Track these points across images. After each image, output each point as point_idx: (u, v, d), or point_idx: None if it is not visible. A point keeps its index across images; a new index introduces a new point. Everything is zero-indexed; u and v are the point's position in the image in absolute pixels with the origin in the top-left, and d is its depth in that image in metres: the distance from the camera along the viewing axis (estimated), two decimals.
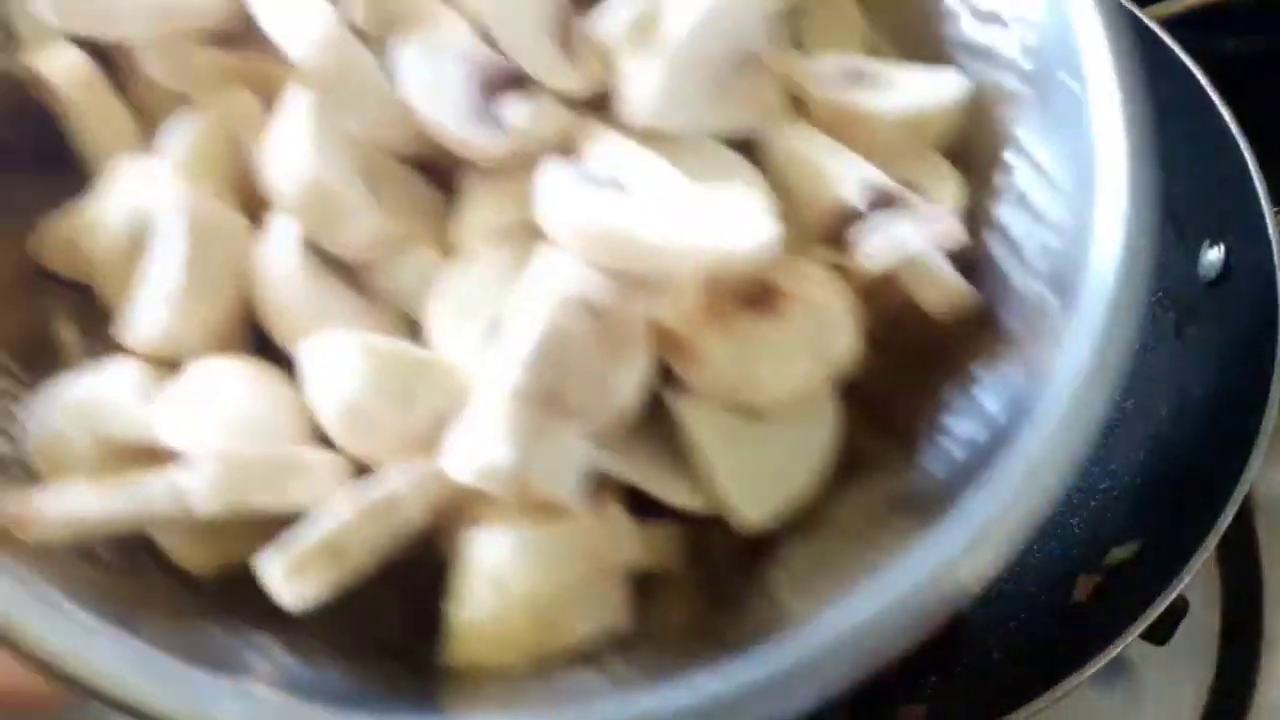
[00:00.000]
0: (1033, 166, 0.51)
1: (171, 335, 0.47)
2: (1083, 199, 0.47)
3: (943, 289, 0.50)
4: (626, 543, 0.47)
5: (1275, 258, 0.81)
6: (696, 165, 0.50)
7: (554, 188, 0.45)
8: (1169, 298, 0.93)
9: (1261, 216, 0.83)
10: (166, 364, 0.49)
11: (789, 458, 0.50)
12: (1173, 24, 0.91)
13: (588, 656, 0.45)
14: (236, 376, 0.46)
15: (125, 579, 0.46)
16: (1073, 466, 0.42)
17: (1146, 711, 0.97)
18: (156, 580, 0.47)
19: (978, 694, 0.84)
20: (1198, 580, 0.99)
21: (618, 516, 0.47)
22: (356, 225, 0.46)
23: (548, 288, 0.43)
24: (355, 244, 0.47)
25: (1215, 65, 0.88)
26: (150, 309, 0.48)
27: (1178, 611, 0.86)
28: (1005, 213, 0.52)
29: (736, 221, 0.45)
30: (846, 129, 0.54)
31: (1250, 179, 0.84)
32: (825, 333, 0.49)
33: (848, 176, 0.50)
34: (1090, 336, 0.43)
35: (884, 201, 0.49)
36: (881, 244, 0.48)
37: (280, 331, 0.47)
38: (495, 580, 0.44)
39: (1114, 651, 0.75)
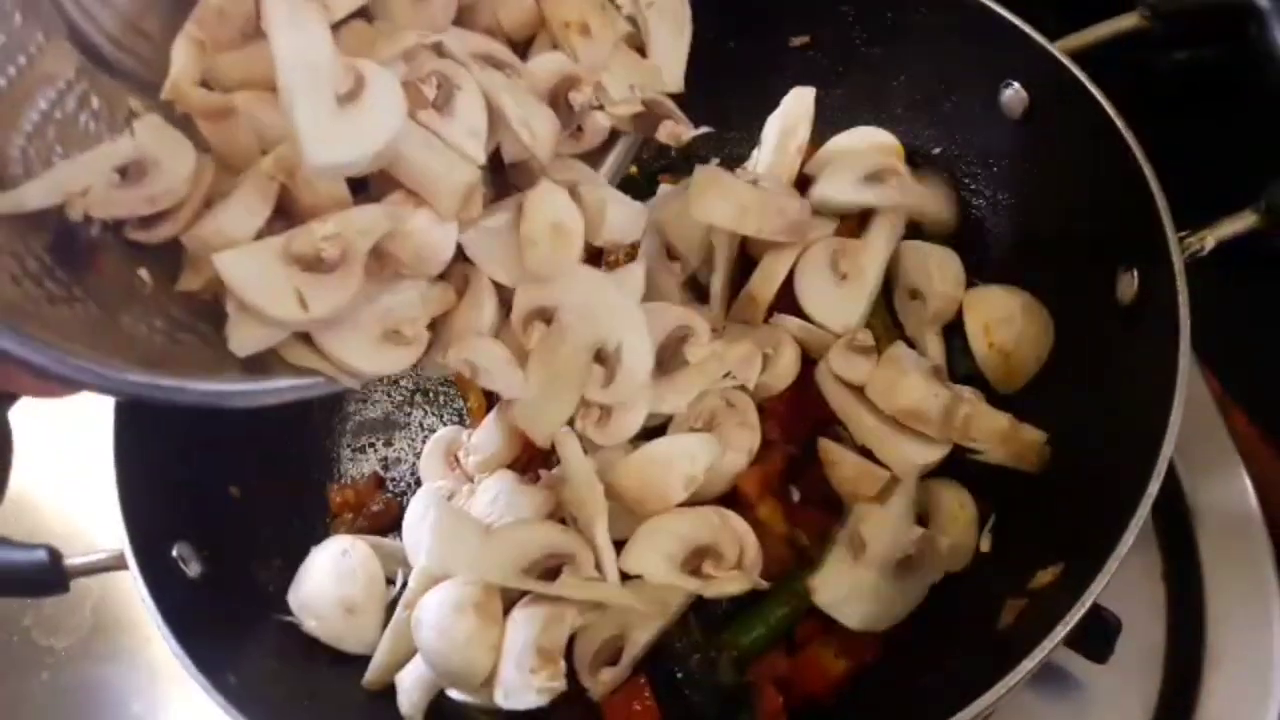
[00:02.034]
0: None
1: None
2: None
3: None
4: None
5: (1179, 281, 0.84)
6: None
7: None
8: (1089, 321, 0.96)
9: (1166, 241, 0.86)
10: None
11: None
12: (1081, 57, 0.94)
13: None
14: None
15: None
16: None
17: None
18: None
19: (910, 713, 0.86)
20: (1141, 596, 1.02)
21: None
22: None
23: None
24: None
25: (1121, 96, 0.91)
26: None
27: (1109, 628, 0.87)
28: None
29: None
30: None
31: (1156, 205, 0.87)
32: None
33: None
34: None
35: None
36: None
37: None
38: None
39: (1031, 663, 0.76)
